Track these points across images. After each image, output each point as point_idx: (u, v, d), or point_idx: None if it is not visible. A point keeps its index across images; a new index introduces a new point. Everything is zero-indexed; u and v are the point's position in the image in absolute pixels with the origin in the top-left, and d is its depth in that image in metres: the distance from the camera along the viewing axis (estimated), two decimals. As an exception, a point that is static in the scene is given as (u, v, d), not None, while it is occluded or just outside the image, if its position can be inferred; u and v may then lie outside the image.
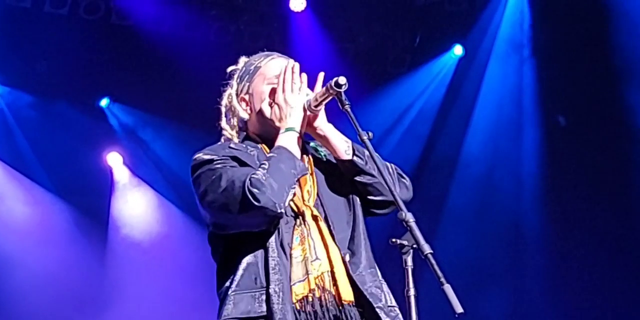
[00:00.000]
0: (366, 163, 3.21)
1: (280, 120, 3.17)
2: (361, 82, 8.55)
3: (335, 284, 3.05)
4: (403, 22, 9.30)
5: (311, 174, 3.20)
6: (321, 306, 3.02)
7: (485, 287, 8.73)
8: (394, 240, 2.83)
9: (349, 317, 3.05)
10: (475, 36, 9.21)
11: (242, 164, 3.11)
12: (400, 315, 3.14)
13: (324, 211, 3.17)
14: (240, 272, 3.05)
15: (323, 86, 3.18)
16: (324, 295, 3.03)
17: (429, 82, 9.47)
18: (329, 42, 9.02)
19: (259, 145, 3.25)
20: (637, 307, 8.32)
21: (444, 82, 9.41)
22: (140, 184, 9.30)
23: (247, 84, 3.30)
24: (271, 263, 3.02)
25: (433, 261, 2.73)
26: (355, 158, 3.21)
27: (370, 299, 3.07)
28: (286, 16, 8.95)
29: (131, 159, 9.20)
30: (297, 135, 3.13)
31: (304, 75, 3.23)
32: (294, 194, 3.06)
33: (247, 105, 3.30)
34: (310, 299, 3.02)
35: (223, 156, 3.13)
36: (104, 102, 9.14)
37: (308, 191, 3.17)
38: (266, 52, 3.40)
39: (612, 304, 8.47)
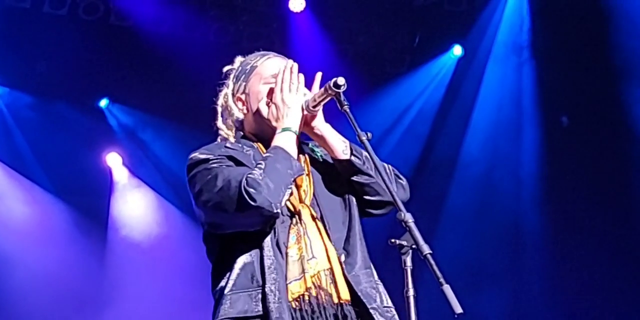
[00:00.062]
0: (364, 163, 3.22)
1: (277, 120, 3.17)
2: (360, 82, 8.55)
3: (332, 282, 3.05)
4: (402, 23, 9.30)
5: (307, 174, 3.20)
6: (318, 305, 3.02)
7: (484, 287, 8.72)
8: (393, 240, 2.83)
9: (345, 316, 3.06)
10: (474, 36, 9.21)
11: (238, 163, 3.11)
12: (396, 316, 3.14)
13: (320, 211, 3.17)
14: (236, 271, 3.04)
15: (321, 86, 3.18)
16: (321, 294, 3.03)
17: (428, 83, 9.47)
18: (328, 42, 9.02)
19: (255, 145, 3.24)
20: (636, 307, 8.32)
21: (444, 82, 9.41)
22: (139, 185, 9.30)
23: (244, 83, 3.30)
24: (267, 262, 3.01)
25: (432, 261, 2.73)
26: (353, 158, 3.21)
27: (364, 300, 3.07)
28: (285, 16, 8.95)
29: (130, 159, 9.20)
30: (294, 135, 3.13)
31: (302, 75, 3.23)
32: (291, 194, 3.06)
33: (243, 104, 3.30)
34: (306, 297, 3.02)
35: (219, 155, 3.12)
36: (103, 103, 9.14)
37: (304, 191, 3.17)
38: (262, 52, 3.40)
39: (612, 304, 8.47)
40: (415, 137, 9.42)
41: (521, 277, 9.01)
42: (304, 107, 3.19)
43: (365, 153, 3.24)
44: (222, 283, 3.08)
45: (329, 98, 3.14)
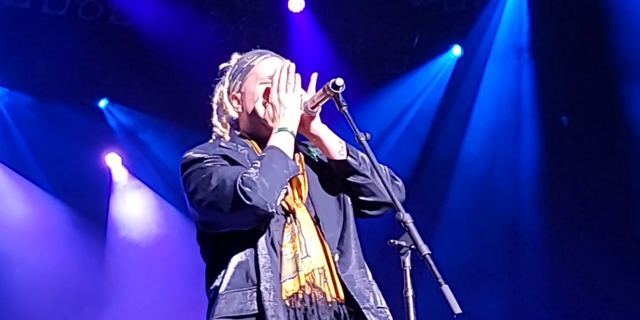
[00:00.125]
0: (360, 164, 3.22)
1: (273, 120, 3.16)
2: (360, 82, 8.55)
3: (326, 281, 3.06)
4: (402, 23, 9.30)
5: (302, 173, 3.20)
6: (311, 303, 3.03)
7: (483, 287, 8.73)
8: (392, 241, 2.83)
9: (338, 315, 3.06)
10: (474, 37, 9.21)
11: (233, 162, 3.11)
12: (390, 317, 3.15)
13: (314, 210, 3.17)
14: (231, 270, 3.04)
15: (319, 87, 3.18)
16: (314, 292, 3.04)
17: (427, 83, 9.47)
18: (328, 42, 9.02)
19: (250, 144, 3.24)
20: (636, 307, 8.32)
21: (443, 82, 9.41)
22: (139, 185, 9.30)
23: (239, 82, 3.29)
24: (261, 261, 3.01)
25: (431, 262, 2.73)
26: (349, 158, 3.21)
27: (357, 300, 3.07)
28: (285, 17, 8.95)
29: (130, 159, 9.20)
30: (291, 135, 3.13)
31: (298, 76, 3.22)
32: (286, 193, 3.06)
33: (238, 103, 3.29)
34: (300, 295, 3.03)
35: (213, 155, 3.12)
36: (102, 103, 9.15)
37: (299, 190, 3.17)
38: (259, 50, 3.39)
39: (611, 304, 8.47)
40: (415, 137, 9.42)
41: (520, 277, 9.01)
42: (303, 109, 3.19)
43: (361, 154, 3.24)
44: (217, 282, 3.07)
45: (327, 99, 3.14)
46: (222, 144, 3.22)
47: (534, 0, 8.95)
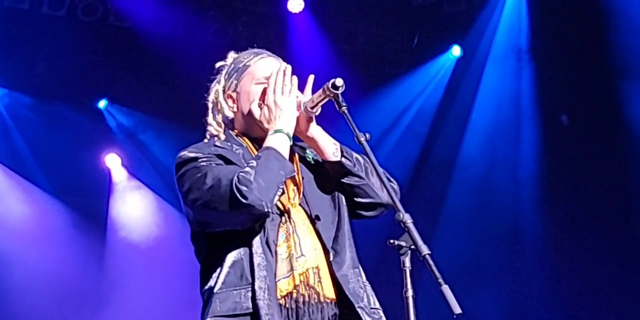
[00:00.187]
0: (354, 165, 3.22)
1: (269, 122, 3.17)
2: (359, 83, 8.55)
3: (320, 280, 3.06)
4: (401, 23, 9.30)
5: (297, 173, 3.20)
6: (304, 302, 3.03)
7: (483, 287, 8.73)
8: (391, 241, 2.83)
9: (331, 314, 3.07)
10: (473, 37, 9.21)
11: (228, 162, 3.11)
12: (384, 318, 3.16)
13: (309, 210, 3.17)
14: (225, 269, 3.05)
15: (317, 88, 3.18)
16: (309, 292, 3.04)
17: (427, 83, 9.47)
18: (327, 43, 9.02)
19: (245, 144, 3.24)
20: (636, 307, 8.32)
21: (442, 83, 9.41)
22: (138, 185, 9.30)
23: (235, 81, 3.30)
24: (256, 260, 3.02)
25: (431, 262, 2.73)
26: (343, 159, 3.21)
27: (352, 299, 3.08)
28: (284, 17, 8.95)
29: (129, 160, 9.20)
30: (286, 137, 3.13)
31: (295, 78, 3.23)
32: (281, 193, 3.06)
33: (233, 102, 3.30)
34: (294, 295, 3.03)
35: (208, 154, 3.12)
36: (102, 104, 9.14)
37: (294, 190, 3.18)
38: (256, 50, 3.40)
39: (610, 304, 8.47)
40: (414, 137, 9.42)
41: (520, 277, 9.01)
42: (303, 109, 3.19)
43: (355, 155, 3.25)
44: (212, 282, 3.08)
45: (327, 99, 3.14)
46: (217, 143, 3.22)
47: (534, 0, 8.95)
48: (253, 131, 3.25)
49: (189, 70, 8.25)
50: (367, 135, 3.06)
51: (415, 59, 9.46)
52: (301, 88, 3.25)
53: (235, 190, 2.93)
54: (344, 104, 3.11)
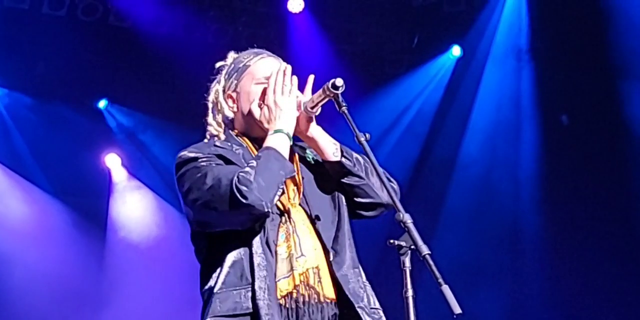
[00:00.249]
0: (354, 165, 3.23)
1: (269, 122, 3.17)
2: (359, 83, 8.55)
3: (320, 280, 3.06)
4: (401, 23, 9.30)
5: (297, 173, 3.20)
6: (304, 302, 3.03)
7: (483, 287, 8.73)
8: (391, 241, 2.83)
9: (331, 314, 3.07)
10: (473, 37, 9.21)
11: (228, 162, 3.11)
12: (384, 318, 3.16)
13: (309, 210, 3.17)
14: (225, 269, 3.05)
15: (317, 88, 3.18)
16: (309, 292, 3.04)
17: (427, 83, 9.47)
18: (327, 43, 9.02)
19: (245, 144, 3.24)
20: (636, 307, 8.32)
21: (442, 83, 9.41)
22: (138, 186, 9.30)
23: (235, 81, 3.30)
24: (256, 260, 3.02)
25: (431, 262, 2.73)
26: (343, 159, 3.22)
27: (352, 299, 3.08)
28: (284, 17, 8.95)
29: (129, 160, 9.20)
30: (286, 137, 3.13)
31: (295, 78, 3.23)
32: (282, 193, 3.06)
33: (233, 102, 3.30)
34: (294, 295, 3.03)
35: (208, 154, 3.12)
36: (102, 104, 9.14)
37: (294, 190, 3.18)
38: (256, 50, 3.40)
39: (610, 304, 8.47)
40: (414, 137, 9.42)
41: (520, 277, 9.01)
42: (303, 109, 3.19)
43: (355, 155, 3.26)
44: (212, 282, 3.08)
45: (327, 99, 3.14)
46: (217, 143, 3.22)
47: (534, 0, 8.96)
48: (253, 131, 3.25)
49: (189, 70, 8.25)
50: (367, 135, 3.06)
51: (415, 59, 9.46)
52: (301, 88, 3.26)
53: (235, 190, 2.93)
54: (344, 104, 3.11)
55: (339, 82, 3.09)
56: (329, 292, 3.07)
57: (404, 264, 2.81)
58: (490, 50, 9.15)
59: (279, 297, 3.01)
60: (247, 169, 3.00)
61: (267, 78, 3.24)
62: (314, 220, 3.16)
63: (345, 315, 3.09)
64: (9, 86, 8.73)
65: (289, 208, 3.12)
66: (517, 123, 9.09)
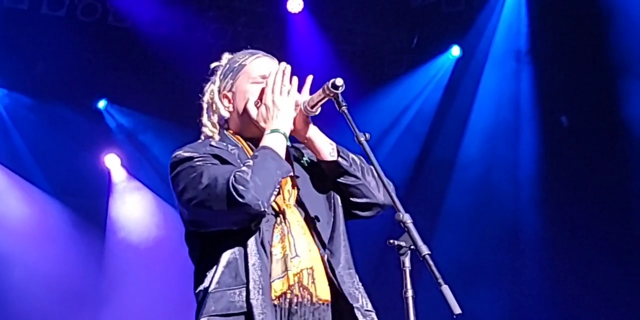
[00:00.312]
0: (350, 165, 3.23)
1: (265, 121, 3.17)
2: (358, 83, 8.55)
3: (313, 281, 3.06)
4: (400, 23, 9.30)
5: (293, 174, 3.20)
6: (297, 303, 3.03)
7: (483, 288, 8.72)
8: (391, 241, 2.83)
9: (324, 315, 3.06)
10: (472, 37, 9.21)
11: (224, 162, 3.11)
12: None
13: (304, 211, 3.17)
14: (220, 269, 3.04)
15: (317, 88, 3.18)
16: (303, 292, 3.04)
17: (426, 83, 9.47)
18: (326, 43, 9.02)
19: (240, 144, 3.25)
20: (636, 307, 8.32)
21: (442, 83, 9.41)
22: (138, 186, 9.30)
23: (231, 81, 3.30)
24: (251, 260, 3.01)
25: (431, 262, 2.73)
26: (339, 159, 3.22)
27: (349, 299, 3.08)
28: (283, 17, 8.95)
29: (129, 160, 9.20)
30: (283, 137, 3.13)
31: (295, 79, 3.23)
32: (277, 193, 3.06)
33: (229, 102, 3.30)
34: (288, 295, 3.03)
35: (204, 154, 3.12)
36: (101, 104, 9.14)
37: (289, 191, 3.18)
38: (251, 50, 3.40)
39: (611, 304, 8.47)
40: (414, 137, 9.42)
41: (520, 277, 9.01)
42: (303, 109, 3.19)
43: (352, 155, 3.26)
44: (206, 282, 3.07)
45: (327, 99, 3.14)
46: (212, 143, 3.22)
47: (533, 0, 8.96)
48: (248, 131, 3.25)
49: (189, 71, 8.21)
50: (367, 135, 3.06)
51: (415, 59, 9.46)
52: (300, 88, 3.26)
53: (232, 189, 2.93)
54: (343, 104, 3.11)
55: (339, 81, 3.09)
56: (322, 293, 3.07)
57: (403, 264, 2.82)
58: (489, 51, 9.15)
59: (273, 297, 3.01)
60: (244, 168, 2.99)
61: (263, 77, 3.25)
62: (309, 220, 3.16)
63: (339, 316, 3.09)
64: (9, 86, 8.74)
65: (284, 209, 3.12)
66: (517, 123, 9.09)
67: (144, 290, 8.83)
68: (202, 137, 3.33)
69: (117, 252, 9.15)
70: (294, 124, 3.20)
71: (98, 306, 8.82)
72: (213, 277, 3.04)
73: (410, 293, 2.78)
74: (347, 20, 9.19)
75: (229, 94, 3.30)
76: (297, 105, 3.20)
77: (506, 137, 9.09)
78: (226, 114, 3.30)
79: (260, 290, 2.98)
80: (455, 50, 9.32)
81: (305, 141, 3.26)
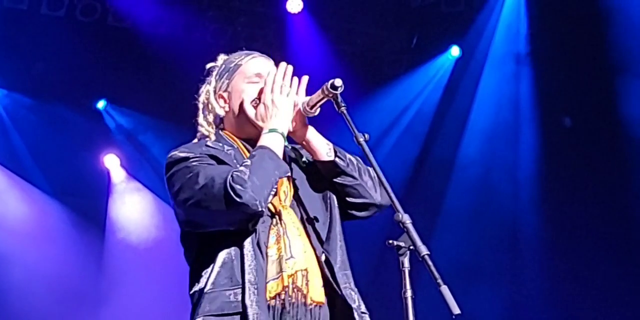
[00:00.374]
0: (347, 165, 3.23)
1: (264, 120, 3.17)
2: (358, 83, 8.55)
3: (307, 283, 3.06)
4: (400, 24, 9.30)
5: (290, 175, 3.20)
6: (291, 304, 3.03)
7: (482, 288, 8.72)
8: (391, 241, 2.83)
9: (318, 316, 3.06)
10: (472, 37, 9.21)
11: (220, 162, 3.11)
12: None
13: (301, 212, 3.18)
14: (216, 270, 3.04)
15: (316, 88, 3.18)
16: (297, 294, 3.04)
17: (426, 84, 9.47)
18: (326, 43, 9.02)
19: (235, 145, 3.24)
20: (636, 307, 8.32)
21: (441, 83, 9.41)
22: (137, 186, 9.29)
23: (227, 81, 3.31)
24: (247, 261, 3.02)
25: (430, 262, 2.74)
26: (336, 159, 3.22)
27: (347, 300, 3.08)
28: (283, 18, 8.95)
29: (128, 161, 9.20)
30: (281, 136, 3.13)
31: (295, 79, 3.23)
32: (274, 194, 3.06)
33: (225, 102, 3.30)
34: (282, 296, 3.03)
35: (200, 154, 3.12)
36: (101, 104, 9.14)
37: (285, 192, 3.18)
38: (246, 51, 3.41)
39: (610, 304, 8.47)
40: (413, 138, 9.41)
41: (519, 278, 9.01)
42: (301, 109, 3.19)
43: (349, 155, 3.26)
44: (202, 283, 3.07)
45: (326, 99, 3.14)
46: (208, 143, 3.22)
47: (532, 0, 8.95)
48: (244, 131, 3.25)
49: (188, 71, 8.20)
50: (366, 135, 3.07)
51: (414, 59, 9.46)
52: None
53: (229, 189, 2.93)
54: (343, 105, 3.11)
55: (338, 82, 3.09)
56: (316, 295, 3.06)
57: (403, 264, 2.82)
58: (489, 51, 9.15)
59: (268, 298, 3.01)
60: (242, 168, 2.99)
61: (259, 76, 3.26)
62: (305, 221, 3.16)
63: (334, 317, 3.09)
64: (8, 86, 8.73)
65: (280, 210, 3.12)
66: (516, 123, 9.09)
67: (143, 291, 8.83)
68: (198, 137, 3.33)
69: (117, 253, 9.14)
70: (292, 124, 3.20)
71: (97, 306, 8.82)
72: (209, 278, 3.04)
73: (409, 293, 2.78)
74: (347, 21, 9.19)
75: (225, 94, 3.30)
76: (295, 105, 3.20)
77: (506, 138, 9.09)
78: (222, 113, 3.30)
79: (256, 291, 2.98)
80: (455, 51, 9.32)
81: (303, 142, 3.26)
